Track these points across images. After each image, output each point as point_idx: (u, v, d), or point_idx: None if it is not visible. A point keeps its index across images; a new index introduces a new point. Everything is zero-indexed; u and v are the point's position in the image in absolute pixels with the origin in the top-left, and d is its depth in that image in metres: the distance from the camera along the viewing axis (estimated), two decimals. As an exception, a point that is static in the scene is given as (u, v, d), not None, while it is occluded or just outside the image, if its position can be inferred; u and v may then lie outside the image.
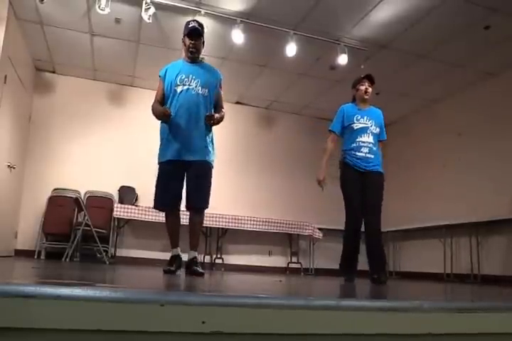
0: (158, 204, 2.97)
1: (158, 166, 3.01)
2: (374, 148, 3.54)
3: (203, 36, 3.08)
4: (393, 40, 5.19)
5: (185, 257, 2.94)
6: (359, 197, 3.44)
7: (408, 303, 1.21)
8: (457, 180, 6.22)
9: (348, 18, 4.85)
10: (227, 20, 4.91)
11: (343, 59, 5.34)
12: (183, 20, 4.90)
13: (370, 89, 3.62)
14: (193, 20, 3.11)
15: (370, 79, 3.64)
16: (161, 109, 2.92)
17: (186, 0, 4.60)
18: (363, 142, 3.52)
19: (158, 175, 2.97)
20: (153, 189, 2.96)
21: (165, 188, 2.93)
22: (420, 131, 7.06)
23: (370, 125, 3.56)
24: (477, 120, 6.05)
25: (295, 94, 6.87)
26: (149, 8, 4.63)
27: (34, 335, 0.86)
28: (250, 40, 5.13)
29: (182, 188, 2.94)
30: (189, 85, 2.97)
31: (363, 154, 3.50)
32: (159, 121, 3.03)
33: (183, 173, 2.94)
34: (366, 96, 3.63)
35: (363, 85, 3.62)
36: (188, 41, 3.03)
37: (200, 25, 3.07)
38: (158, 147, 3.01)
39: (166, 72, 3.08)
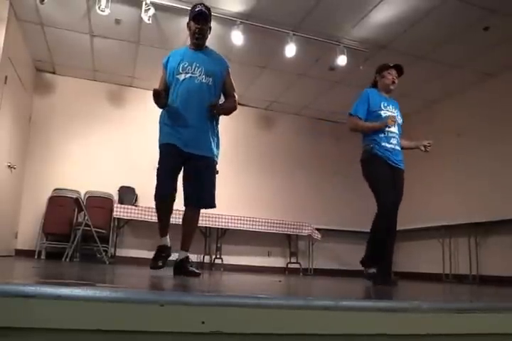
0: (160, 190, 2.69)
1: (159, 148, 2.79)
2: (399, 140, 3.33)
3: (210, 21, 2.86)
4: (393, 41, 5.20)
5: (175, 257, 2.77)
6: (395, 195, 3.18)
7: (407, 304, 1.21)
8: (456, 181, 6.22)
9: (348, 19, 4.86)
10: (226, 21, 4.91)
11: (342, 60, 5.35)
12: (183, 21, 4.92)
13: (396, 81, 3.37)
14: (200, 4, 2.86)
15: (399, 69, 3.38)
16: (154, 89, 2.71)
17: (186, 1, 4.61)
18: (392, 132, 3.25)
19: (160, 158, 2.75)
20: (153, 189, 2.72)
21: (166, 171, 2.69)
22: (420, 131, 7.05)
23: (396, 114, 3.34)
24: (476, 120, 6.06)
25: (294, 94, 6.88)
26: (149, 9, 4.63)
27: (34, 335, 0.87)
28: (250, 41, 5.13)
29: (177, 177, 2.74)
30: (192, 73, 2.77)
31: (393, 146, 3.24)
32: (159, 114, 2.87)
33: (181, 163, 2.71)
34: (392, 87, 3.36)
35: (390, 74, 3.34)
36: (193, 26, 2.82)
37: (208, 9, 2.85)
38: (159, 131, 2.83)
39: (168, 60, 2.89)
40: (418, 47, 5.27)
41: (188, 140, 2.69)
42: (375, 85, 3.45)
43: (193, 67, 2.78)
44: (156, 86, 2.96)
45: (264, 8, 4.72)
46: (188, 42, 2.99)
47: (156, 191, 2.69)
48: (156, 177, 2.71)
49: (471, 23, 4.73)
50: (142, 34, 5.31)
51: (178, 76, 2.78)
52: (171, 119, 2.76)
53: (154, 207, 2.78)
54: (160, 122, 2.83)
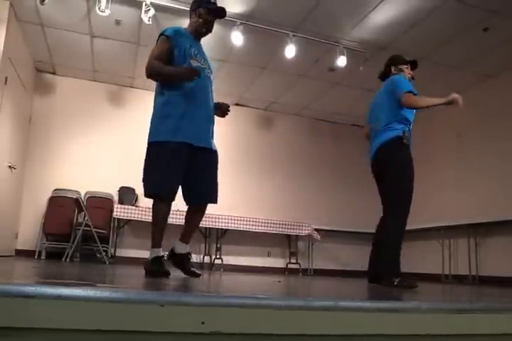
0: (163, 190, 2.42)
1: (159, 145, 2.44)
2: None
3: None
4: (393, 42, 5.20)
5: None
6: None
7: (406, 304, 1.22)
8: (455, 181, 6.23)
9: (347, 20, 4.86)
10: (226, 22, 4.90)
11: (341, 61, 5.35)
12: (183, 22, 4.93)
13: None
14: None
15: (413, 66, 3.27)
16: (186, 68, 2.45)
17: (186, 2, 4.61)
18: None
19: (164, 155, 2.42)
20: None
21: (175, 172, 2.43)
22: (420, 132, 7.07)
23: None
24: (476, 121, 6.07)
25: (294, 95, 6.88)
26: (149, 9, 4.64)
27: (34, 335, 0.87)
28: (250, 41, 5.14)
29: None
30: (201, 64, 2.59)
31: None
32: (155, 102, 2.55)
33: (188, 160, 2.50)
34: None
35: (408, 69, 3.22)
36: (207, 15, 2.63)
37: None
38: (159, 121, 2.48)
39: (175, 35, 2.56)
40: (418, 48, 5.27)
41: (202, 132, 2.53)
42: (385, 75, 3.29)
43: (200, 57, 2.62)
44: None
45: (264, 9, 4.73)
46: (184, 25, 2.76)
47: (166, 192, 2.43)
48: (161, 176, 2.42)
49: (471, 24, 4.74)
50: (142, 35, 5.31)
51: (191, 60, 2.54)
52: (183, 106, 2.47)
53: (156, 211, 2.46)
54: (168, 109, 2.49)
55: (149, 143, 2.51)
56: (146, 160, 2.52)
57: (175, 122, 2.44)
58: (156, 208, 2.47)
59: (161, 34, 2.59)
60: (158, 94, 2.56)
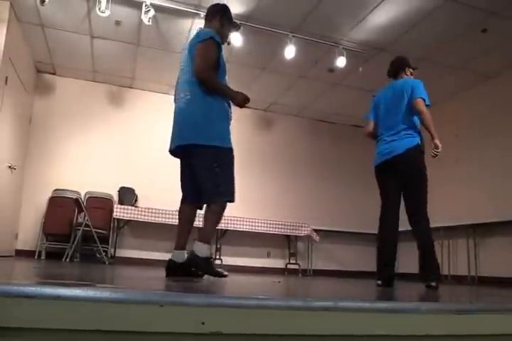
0: (234, 195, 2.48)
1: (224, 150, 2.45)
2: None
3: None
4: (393, 43, 5.20)
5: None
6: None
7: (406, 305, 1.22)
8: (455, 182, 6.22)
9: (347, 20, 4.86)
10: (227, 22, 4.92)
11: (341, 61, 5.35)
12: (183, 22, 4.94)
13: None
14: None
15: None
16: (242, 95, 2.48)
17: (185, 3, 4.62)
18: None
19: (229, 161, 2.48)
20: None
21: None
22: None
23: None
24: (475, 122, 6.07)
25: (294, 96, 6.88)
26: (149, 10, 4.64)
27: (34, 335, 0.87)
28: (249, 42, 5.14)
29: None
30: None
31: None
32: (202, 99, 2.47)
33: None
34: None
35: (412, 74, 3.39)
36: (232, 29, 2.78)
37: None
38: (220, 125, 2.47)
39: (219, 40, 2.55)
40: (418, 49, 5.27)
41: None
42: (395, 73, 3.37)
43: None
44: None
45: (264, 10, 4.73)
46: (197, 24, 2.86)
47: (232, 196, 2.46)
48: (230, 182, 2.46)
49: (471, 24, 4.74)
50: (142, 35, 5.32)
51: (226, 69, 2.60)
52: (226, 116, 2.53)
53: (220, 213, 2.48)
54: (219, 114, 2.49)
55: (215, 147, 2.42)
56: (217, 166, 2.41)
57: (228, 128, 2.51)
58: (223, 210, 2.47)
59: (210, 37, 2.47)
60: (209, 95, 2.46)
